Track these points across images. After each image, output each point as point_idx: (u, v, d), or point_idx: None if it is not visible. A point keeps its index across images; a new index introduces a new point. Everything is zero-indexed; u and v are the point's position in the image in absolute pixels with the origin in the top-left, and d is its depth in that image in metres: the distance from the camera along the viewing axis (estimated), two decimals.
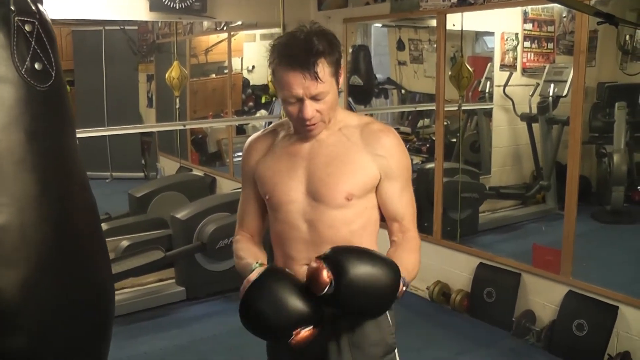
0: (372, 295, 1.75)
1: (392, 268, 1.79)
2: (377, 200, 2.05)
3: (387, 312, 2.03)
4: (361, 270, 1.73)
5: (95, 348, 1.97)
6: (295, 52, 1.85)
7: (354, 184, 1.98)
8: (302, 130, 1.99)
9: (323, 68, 1.87)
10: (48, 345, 1.76)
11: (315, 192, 1.99)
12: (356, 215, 2.00)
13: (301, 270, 1.94)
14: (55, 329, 1.76)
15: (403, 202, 2.06)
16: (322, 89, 1.88)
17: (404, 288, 1.86)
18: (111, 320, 2.04)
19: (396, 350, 2.11)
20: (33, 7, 1.73)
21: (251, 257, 2.04)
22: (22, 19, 1.69)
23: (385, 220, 2.11)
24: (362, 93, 6.49)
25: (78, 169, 1.89)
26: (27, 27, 1.70)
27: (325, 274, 1.71)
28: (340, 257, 1.75)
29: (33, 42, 1.71)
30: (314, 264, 1.75)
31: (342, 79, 1.98)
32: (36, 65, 1.71)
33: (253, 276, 1.86)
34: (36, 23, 1.72)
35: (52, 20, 1.82)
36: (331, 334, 2.01)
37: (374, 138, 2.00)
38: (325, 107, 1.92)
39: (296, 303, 1.78)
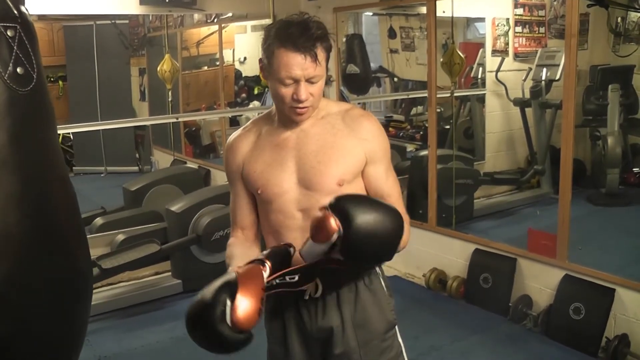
0: (378, 240, 1.77)
1: (396, 214, 1.82)
2: (364, 183, 2.09)
3: (385, 290, 2.15)
4: (367, 216, 1.75)
5: (72, 332, 1.99)
6: (296, 34, 1.88)
7: (344, 169, 2.02)
8: (291, 114, 1.99)
9: (320, 52, 1.91)
10: (27, 331, 1.81)
11: (308, 180, 2.02)
12: None
13: (295, 256, 1.97)
14: (34, 316, 1.81)
15: (389, 183, 2.11)
16: (319, 72, 1.92)
17: None
18: (88, 305, 2.09)
19: (397, 327, 2.17)
20: (15, 11, 1.73)
21: (234, 262, 1.98)
22: (4, 24, 1.70)
23: None
24: (359, 81, 6.45)
25: (58, 164, 1.92)
26: (9, 33, 1.71)
27: (333, 222, 1.72)
28: (346, 204, 1.76)
29: (15, 47, 1.72)
30: (319, 214, 1.76)
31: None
32: (18, 70, 1.73)
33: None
34: (18, 27, 1.73)
35: (43, 16, 1.82)
36: (335, 317, 2.07)
37: (357, 123, 2.05)
38: (318, 91, 1.96)
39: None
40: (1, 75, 1.68)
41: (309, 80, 1.92)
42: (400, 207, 2.07)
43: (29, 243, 1.76)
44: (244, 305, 1.65)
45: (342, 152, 2.02)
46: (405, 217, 2.06)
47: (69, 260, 1.90)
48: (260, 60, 2.00)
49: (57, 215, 1.86)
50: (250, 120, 2.23)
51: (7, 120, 1.70)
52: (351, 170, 2.03)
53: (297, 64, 1.89)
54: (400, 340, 2.19)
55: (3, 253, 1.70)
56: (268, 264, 1.79)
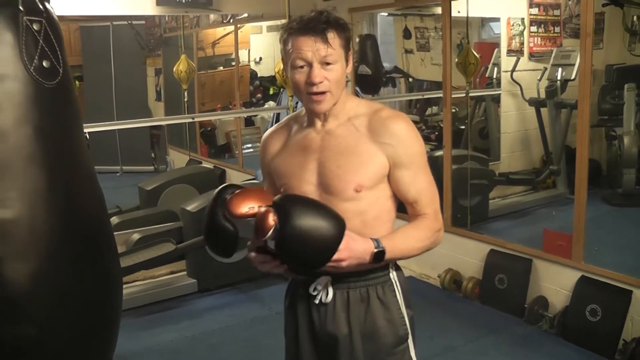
0: (310, 244, 1.80)
1: (338, 221, 1.83)
2: (392, 189, 2.04)
3: (400, 303, 2.09)
4: (305, 218, 1.80)
5: (102, 337, 1.98)
6: (307, 20, 1.92)
7: (363, 175, 1.98)
8: (309, 103, 1.98)
9: (334, 36, 1.92)
10: (55, 334, 1.80)
11: (326, 184, 2.00)
12: (368, 206, 2.01)
13: None
14: (63, 317, 1.81)
15: (417, 188, 2.03)
16: (331, 53, 1.91)
17: (374, 250, 1.91)
18: (119, 309, 2.06)
19: (410, 340, 2.12)
20: (41, 6, 1.76)
21: None
22: (31, 18, 1.73)
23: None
24: (370, 82, 6.47)
25: (85, 162, 1.93)
26: (35, 26, 1.74)
27: (271, 218, 1.78)
28: (287, 204, 1.83)
29: (41, 41, 1.75)
30: (262, 209, 1.82)
31: (350, 65, 2.01)
32: (44, 63, 1.75)
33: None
34: (44, 22, 1.76)
35: (60, 17, 1.84)
36: (343, 325, 2.06)
37: (382, 126, 1.99)
38: (333, 76, 1.94)
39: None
40: (27, 68, 1.70)
41: (323, 62, 1.91)
42: (431, 212, 2.05)
43: (56, 240, 1.76)
44: (238, 194, 1.89)
45: (362, 158, 1.98)
46: (428, 222, 2.05)
47: (97, 260, 1.90)
48: (282, 59, 2.02)
49: (85, 213, 1.87)
50: (287, 116, 2.24)
51: (33, 113, 1.72)
52: (370, 177, 1.99)
53: (307, 45, 1.90)
54: (412, 354, 2.13)
55: (30, 250, 1.72)
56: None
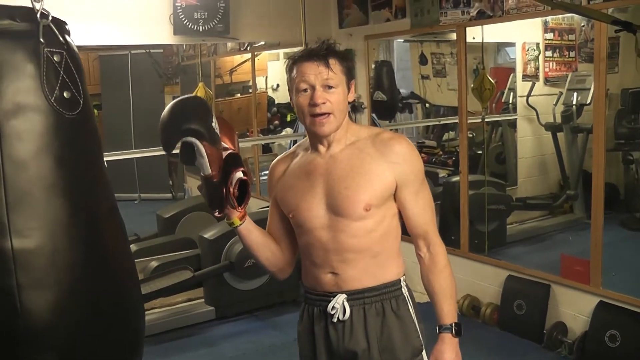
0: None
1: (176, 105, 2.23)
2: (398, 207, 2.15)
3: (413, 316, 2.19)
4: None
5: None
6: (310, 49, 2.08)
7: (371, 194, 2.07)
8: (313, 126, 2.07)
9: (335, 62, 2.05)
10: None
11: (336, 206, 2.08)
12: (376, 224, 2.10)
13: (327, 277, 2.14)
14: (85, 348, 1.81)
15: (419, 206, 2.16)
16: (332, 77, 2.04)
17: (454, 334, 2.25)
18: (141, 340, 2.06)
19: (424, 352, 2.22)
20: (61, 39, 1.79)
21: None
22: (51, 50, 1.76)
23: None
24: (386, 108, 6.49)
25: (106, 192, 1.93)
26: (55, 58, 1.76)
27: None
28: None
29: (62, 72, 1.77)
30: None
31: (351, 93, 2.13)
32: (65, 94, 1.77)
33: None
34: (64, 53, 1.79)
35: (80, 46, 1.88)
36: (362, 340, 2.12)
37: (387, 146, 2.10)
38: (335, 98, 2.05)
39: None
40: (48, 99, 1.73)
41: (325, 86, 2.03)
42: (435, 236, 2.19)
43: (78, 271, 1.76)
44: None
45: (368, 177, 2.07)
46: (443, 255, 2.20)
47: (118, 291, 1.90)
48: (289, 87, 2.13)
49: (106, 244, 1.87)
50: (295, 145, 2.34)
51: (54, 143, 1.73)
52: (378, 195, 2.08)
53: (310, 69, 2.03)
54: None
55: (51, 280, 1.72)
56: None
